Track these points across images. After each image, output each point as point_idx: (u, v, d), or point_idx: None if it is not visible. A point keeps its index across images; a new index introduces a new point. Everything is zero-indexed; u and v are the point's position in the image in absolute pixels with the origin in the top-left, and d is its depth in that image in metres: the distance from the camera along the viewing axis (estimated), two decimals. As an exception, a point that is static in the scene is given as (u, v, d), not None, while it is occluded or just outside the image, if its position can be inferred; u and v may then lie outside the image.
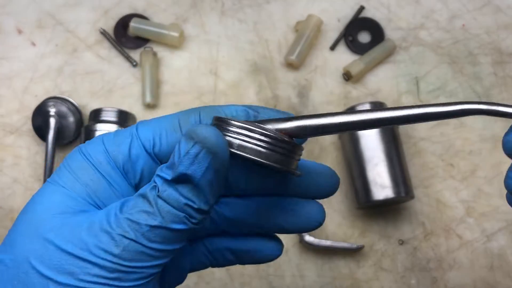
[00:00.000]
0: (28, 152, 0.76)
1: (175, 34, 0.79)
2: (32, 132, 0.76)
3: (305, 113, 0.77)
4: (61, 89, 0.79)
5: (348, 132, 0.38)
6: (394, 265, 0.72)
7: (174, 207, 0.33)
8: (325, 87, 0.79)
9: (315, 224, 0.40)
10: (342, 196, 0.74)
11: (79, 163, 0.36)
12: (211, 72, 0.80)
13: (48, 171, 0.72)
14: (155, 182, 0.34)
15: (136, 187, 0.37)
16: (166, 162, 0.35)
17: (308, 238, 0.70)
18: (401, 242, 0.72)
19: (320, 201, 0.75)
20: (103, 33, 0.81)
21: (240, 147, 0.34)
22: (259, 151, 0.34)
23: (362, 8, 0.82)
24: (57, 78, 0.79)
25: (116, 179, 0.36)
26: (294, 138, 0.36)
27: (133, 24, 0.79)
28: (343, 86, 0.79)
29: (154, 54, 0.79)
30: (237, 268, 0.71)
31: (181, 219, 0.33)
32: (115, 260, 0.32)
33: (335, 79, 0.79)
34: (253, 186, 0.40)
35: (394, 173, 0.69)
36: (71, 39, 0.81)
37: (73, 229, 0.33)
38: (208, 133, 0.33)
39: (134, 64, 0.80)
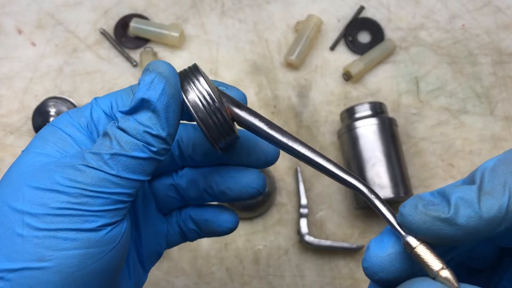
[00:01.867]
0: (28, 152, 0.76)
1: (175, 34, 0.79)
2: (32, 132, 0.76)
3: (305, 113, 0.77)
4: (61, 89, 0.79)
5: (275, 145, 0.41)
6: (394, 265, 0.72)
7: (132, 136, 0.36)
8: (325, 87, 0.79)
9: (253, 190, 0.44)
10: (342, 197, 0.74)
11: (47, 131, 0.39)
12: (211, 72, 0.80)
13: (48, 171, 0.72)
14: (115, 118, 0.38)
15: None
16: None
17: (308, 238, 0.70)
18: (401, 242, 0.72)
19: (321, 201, 0.75)
20: (103, 33, 0.81)
21: (187, 94, 0.38)
22: (200, 108, 0.38)
23: (362, 8, 0.82)
24: (57, 78, 0.79)
25: (82, 138, 0.39)
26: (236, 125, 0.41)
27: (133, 24, 0.79)
28: (343, 86, 0.79)
29: (154, 54, 0.79)
30: (237, 268, 0.71)
31: (140, 147, 0.36)
32: (79, 185, 0.35)
33: (335, 79, 0.79)
34: (201, 157, 0.44)
35: (393, 173, 0.69)
36: (71, 39, 0.81)
37: (44, 171, 0.36)
38: (162, 63, 0.37)
39: (134, 64, 0.80)
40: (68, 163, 0.36)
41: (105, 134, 0.37)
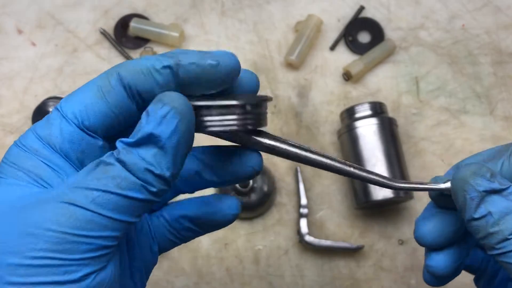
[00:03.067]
0: (28, 152, 0.76)
1: (175, 34, 0.79)
2: (32, 132, 0.76)
3: (305, 113, 0.77)
4: (61, 89, 0.79)
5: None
6: (394, 265, 0.72)
7: (132, 172, 0.32)
8: (325, 87, 0.79)
9: (250, 169, 0.39)
10: (342, 196, 0.74)
11: (16, 155, 0.34)
12: (211, 72, 0.80)
13: (48, 171, 0.72)
14: (117, 148, 0.33)
15: (81, 165, 0.36)
16: (100, 133, 0.35)
17: (308, 238, 0.70)
18: (401, 242, 0.72)
19: (321, 201, 0.75)
20: (103, 33, 0.81)
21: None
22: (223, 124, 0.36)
23: (362, 8, 0.82)
24: (57, 78, 0.79)
25: (58, 162, 0.34)
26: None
27: (133, 24, 0.79)
28: (343, 86, 0.79)
29: (154, 54, 0.79)
30: (237, 268, 0.71)
31: (138, 186, 0.32)
32: (61, 228, 0.30)
33: (335, 79, 0.79)
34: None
35: (393, 173, 0.69)
36: (71, 39, 0.81)
37: (18, 210, 0.31)
38: (177, 96, 0.33)
39: (134, 64, 0.80)
40: (47, 200, 0.31)
41: (98, 165, 0.32)
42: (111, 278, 0.33)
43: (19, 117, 0.78)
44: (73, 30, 0.82)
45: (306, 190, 0.73)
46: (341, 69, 0.79)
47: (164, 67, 0.35)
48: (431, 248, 0.41)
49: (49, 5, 0.83)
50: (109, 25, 0.82)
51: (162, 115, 0.32)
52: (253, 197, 0.70)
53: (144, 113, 0.33)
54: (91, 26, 0.82)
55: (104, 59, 0.80)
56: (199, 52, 0.36)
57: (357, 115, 0.71)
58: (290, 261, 0.72)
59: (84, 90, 0.36)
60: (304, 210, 0.72)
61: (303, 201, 0.72)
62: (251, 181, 0.70)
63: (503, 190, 0.36)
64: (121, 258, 0.38)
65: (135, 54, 0.80)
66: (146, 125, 0.32)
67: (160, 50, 0.80)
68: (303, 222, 0.71)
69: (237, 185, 0.70)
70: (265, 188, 0.71)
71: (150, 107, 0.33)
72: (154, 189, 0.32)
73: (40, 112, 0.74)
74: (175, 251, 0.71)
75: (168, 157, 0.32)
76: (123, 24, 0.81)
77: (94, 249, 0.31)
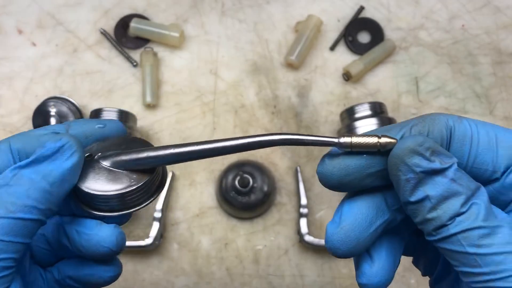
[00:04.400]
0: (29, 152, 0.77)
1: (175, 34, 0.79)
2: (33, 132, 0.76)
3: (305, 113, 0.77)
4: (62, 89, 0.79)
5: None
6: (393, 264, 0.72)
7: (21, 194, 0.34)
8: (325, 87, 0.79)
9: (105, 249, 0.39)
10: (341, 196, 0.74)
11: None
12: (211, 72, 0.80)
13: (49, 171, 0.72)
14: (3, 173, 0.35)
15: None
16: None
17: (308, 238, 0.70)
18: (401, 242, 0.72)
19: (321, 201, 0.75)
20: (104, 33, 0.81)
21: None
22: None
23: (362, 9, 0.82)
24: (57, 78, 0.79)
25: None
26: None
27: (133, 24, 0.79)
28: (343, 86, 0.79)
29: (155, 54, 0.79)
30: (237, 268, 0.71)
31: (29, 207, 0.34)
32: None
33: (335, 79, 0.79)
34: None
35: None
36: (71, 39, 0.81)
37: None
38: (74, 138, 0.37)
39: (134, 64, 0.80)
40: None
41: None
42: None
43: (19, 117, 0.78)
44: (73, 30, 0.82)
45: (306, 190, 0.73)
46: (341, 69, 0.79)
47: (53, 132, 0.38)
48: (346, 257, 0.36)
49: (49, 5, 0.83)
50: (109, 25, 0.82)
51: (60, 146, 0.35)
52: (253, 197, 0.70)
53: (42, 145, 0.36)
54: (91, 26, 0.82)
55: (104, 59, 0.80)
56: (88, 120, 0.41)
57: (357, 115, 0.72)
58: (290, 260, 0.72)
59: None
60: (304, 210, 0.72)
61: (303, 201, 0.72)
62: (251, 181, 0.70)
63: (445, 169, 0.31)
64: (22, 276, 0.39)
65: (135, 54, 0.80)
66: (41, 150, 0.35)
67: (160, 50, 0.80)
68: (303, 222, 0.71)
69: (237, 185, 0.70)
70: (265, 188, 0.71)
71: (48, 143, 0.36)
72: (43, 207, 0.34)
73: (40, 112, 0.74)
74: (175, 251, 0.72)
75: (58, 177, 0.35)
76: (123, 24, 0.81)
77: None
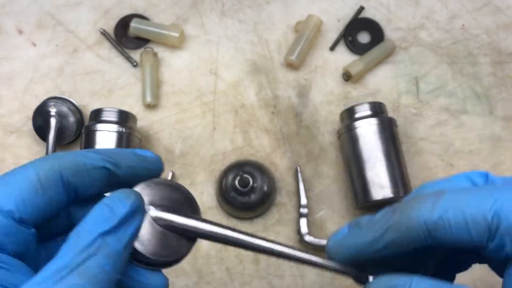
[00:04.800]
0: (29, 152, 0.77)
1: (175, 34, 0.79)
2: (33, 132, 0.76)
3: (305, 113, 0.77)
4: (62, 89, 0.79)
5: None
6: (393, 264, 0.72)
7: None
8: (325, 87, 0.79)
9: None
10: (342, 196, 0.74)
11: None
12: (211, 72, 0.80)
13: (49, 171, 0.72)
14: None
15: (16, 256, 0.35)
16: (32, 223, 0.35)
17: (308, 238, 0.70)
18: (401, 242, 0.72)
19: (321, 201, 0.75)
20: (104, 33, 0.81)
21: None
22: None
23: (362, 9, 0.82)
24: (57, 78, 0.80)
25: (4, 259, 0.34)
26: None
27: (134, 24, 0.79)
28: (343, 86, 0.79)
29: (155, 54, 0.79)
30: (237, 268, 0.72)
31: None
32: None
33: (335, 79, 0.79)
34: None
35: (393, 173, 0.69)
36: (71, 39, 0.81)
37: None
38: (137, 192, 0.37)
39: (134, 64, 0.80)
40: None
41: (76, 268, 0.32)
42: None
43: (19, 117, 0.78)
44: (73, 30, 0.82)
45: (306, 190, 0.73)
46: (341, 69, 0.79)
47: (103, 167, 0.38)
48: None
49: (49, 5, 0.83)
50: (109, 25, 0.82)
51: (134, 209, 0.35)
52: (253, 197, 0.70)
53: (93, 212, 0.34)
54: (91, 26, 0.82)
55: (104, 59, 0.80)
56: (137, 157, 0.40)
57: (357, 115, 0.72)
58: (290, 261, 0.72)
59: (20, 180, 0.35)
60: (304, 210, 0.72)
61: (303, 201, 0.72)
62: (251, 181, 0.70)
63: None
64: None
65: (135, 54, 0.80)
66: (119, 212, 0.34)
67: (160, 50, 0.80)
68: (303, 222, 0.71)
69: (237, 185, 0.70)
70: (265, 188, 0.71)
71: (120, 206, 0.35)
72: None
73: (40, 112, 0.74)
74: (175, 251, 0.72)
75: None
76: (123, 24, 0.81)
77: None
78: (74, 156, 0.37)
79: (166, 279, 0.40)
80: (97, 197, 0.38)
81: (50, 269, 0.32)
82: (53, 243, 0.40)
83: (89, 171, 0.37)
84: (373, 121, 0.70)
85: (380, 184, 0.68)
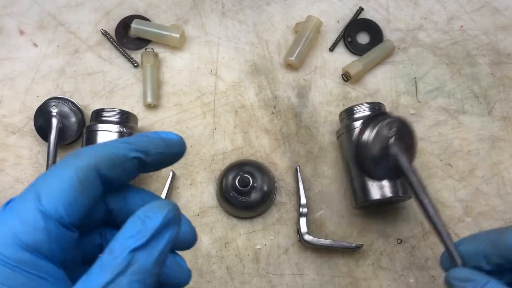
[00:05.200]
0: (30, 152, 0.77)
1: (176, 35, 0.79)
2: (34, 132, 0.76)
3: (305, 113, 0.78)
4: (63, 89, 0.79)
5: None
6: (392, 264, 0.72)
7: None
8: (325, 87, 0.79)
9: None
10: (341, 196, 0.75)
11: (3, 274, 0.32)
12: (212, 73, 0.80)
13: (50, 170, 0.72)
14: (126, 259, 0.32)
15: (62, 264, 0.35)
16: (75, 225, 0.35)
17: (307, 237, 0.71)
18: (400, 241, 0.73)
19: (320, 200, 0.75)
20: (105, 34, 0.81)
21: None
22: None
23: (361, 10, 0.82)
24: (58, 78, 0.80)
25: (51, 272, 0.33)
26: None
27: (134, 25, 0.80)
28: (342, 87, 0.79)
29: (155, 55, 0.79)
30: (237, 267, 0.72)
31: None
32: None
33: (334, 80, 0.80)
34: None
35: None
36: (72, 40, 0.82)
37: None
38: (174, 204, 0.35)
39: (135, 64, 0.80)
40: None
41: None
42: None
43: (21, 117, 0.78)
44: (75, 31, 0.82)
45: (306, 190, 0.74)
46: (340, 69, 0.80)
47: (135, 157, 0.37)
48: None
49: (50, 6, 0.83)
50: (110, 26, 0.82)
51: (169, 220, 0.34)
52: (253, 196, 0.71)
53: (137, 219, 0.33)
54: (92, 27, 0.82)
55: (106, 60, 0.81)
56: (164, 140, 0.39)
57: (356, 116, 0.72)
58: (290, 260, 0.72)
59: (62, 181, 0.34)
60: (303, 210, 0.72)
61: (303, 200, 0.72)
62: (251, 181, 0.70)
63: None
64: None
65: (136, 55, 0.81)
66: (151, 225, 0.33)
67: (161, 51, 0.81)
68: (303, 221, 0.71)
69: (237, 185, 0.70)
70: (265, 188, 0.71)
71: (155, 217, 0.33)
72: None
73: (42, 113, 0.75)
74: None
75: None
76: (124, 25, 0.82)
77: None
78: (108, 149, 0.36)
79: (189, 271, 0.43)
80: (125, 185, 0.39)
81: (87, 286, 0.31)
82: (86, 241, 0.40)
83: (123, 163, 0.37)
84: None
85: (379, 183, 0.69)
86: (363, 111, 0.72)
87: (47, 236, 0.33)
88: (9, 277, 0.32)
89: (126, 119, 0.72)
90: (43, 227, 0.33)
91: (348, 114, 0.73)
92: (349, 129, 0.71)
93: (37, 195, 0.34)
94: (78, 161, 0.35)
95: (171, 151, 0.40)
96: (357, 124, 0.71)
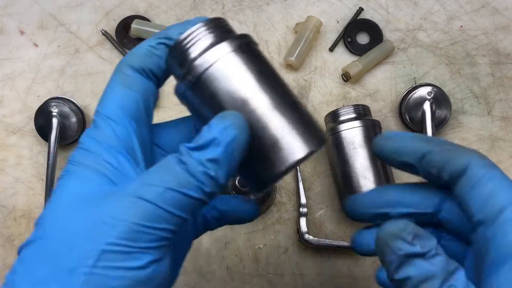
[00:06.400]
0: (31, 152, 0.77)
1: (176, 35, 0.79)
2: (35, 132, 0.76)
3: (305, 113, 0.78)
4: (63, 89, 0.79)
5: None
6: (392, 263, 0.72)
7: (191, 174, 0.35)
8: (324, 87, 0.79)
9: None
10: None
11: (81, 155, 0.38)
12: (212, 73, 0.80)
13: (50, 171, 0.72)
14: (178, 151, 0.37)
15: (133, 156, 0.40)
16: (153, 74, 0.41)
17: (307, 237, 0.71)
18: (400, 241, 0.73)
19: (320, 200, 0.75)
20: (105, 34, 0.82)
21: None
22: None
23: (361, 10, 0.82)
24: (59, 78, 0.80)
25: (119, 160, 0.38)
26: None
27: (135, 25, 0.80)
28: (342, 87, 0.79)
29: (155, 55, 0.79)
30: (237, 267, 0.72)
31: (196, 186, 0.36)
32: (131, 219, 0.34)
33: (334, 80, 0.80)
34: None
35: (378, 175, 0.68)
36: (73, 40, 0.82)
37: (92, 202, 0.36)
38: (237, 115, 0.37)
39: (135, 65, 0.80)
40: (119, 194, 0.35)
41: (164, 166, 0.36)
42: (167, 271, 0.37)
43: (21, 117, 0.78)
44: (75, 31, 0.82)
45: (306, 190, 0.74)
46: (340, 70, 0.80)
47: (159, 43, 0.41)
48: None
49: (51, 6, 0.83)
50: (111, 26, 0.82)
51: (224, 127, 0.36)
52: (253, 197, 0.71)
53: (205, 126, 0.37)
54: (92, 27, 0.82)
55: (106, 60, 0.81)
56: (182, 23, 0.42)
57: (341, 118, 0.71)
58: (290, 259, 0.72)
59: (112, 92, 0.40)
60: (303, 209, 0.72)
61: (303, 200, 0.73)
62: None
63: (425, 253, 0.35)
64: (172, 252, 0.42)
65: (136, 55, 0.81)
66: (208, 134, 0.36)
67: (161, 51, 0.81)
68: (303, 221, 0.72)
69: (237, 185, 0.70)
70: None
71: (213, 122, 0.37)
72: (208, 190, 0.36)
73: (42, 113, 0.75)
74: (176, 250, 0.72)
75: (224, 163, 0.36)
76: (124, 25, 0.82)
77: (155, 239, 0.35)
78: (134, 49, 0.42)
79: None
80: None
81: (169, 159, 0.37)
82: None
83: (151, 52, 0.41)
84: (357, 124, 0.70)
85: (366, 186, 0.68)
86: (347, 114, 0.71)
87: (114, 135, 0.39)
88: (85, 157, 0.38)
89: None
90: (109, 127, 0.39)
91: (332, 117, 0.72)
92: (334, 132, 0.71)
93: (100, 105, 0.41)
94: (116, 69, 0.42)
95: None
96: (342, 127, 0.70)
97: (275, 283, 0.72)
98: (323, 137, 0.40)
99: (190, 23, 0.41)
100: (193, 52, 0.39)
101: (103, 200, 0.35)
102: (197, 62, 0.38)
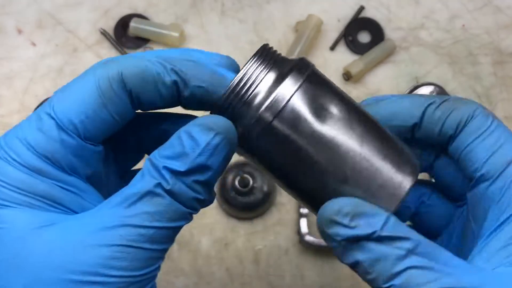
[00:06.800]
0: (28, 152, 0.77)
1: (175, 34, 0.79)
2: (32, 132, 0.76)
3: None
4: (61, 89, 0.79)
5: None
6: (394, 265, 0.72)
7: (182, 203, 0.32)
8: (325, 87, 0.79)
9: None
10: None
11: (19, 178, 0.31)
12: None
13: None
14: (161, 177, 0.31)
15: (89, 179, 0.34)
16: (99, 140, 0.33)
17: (308, 238, 0.70)
18: (401, 242, 0.72)
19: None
20: (103, 33, 0.81)
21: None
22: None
23: (362, 8, 0.82)
24: (57, 78, 0.80)
25: (72, 182, 0.32)
26: None
27: (133, 24, 0.79)
28: (343, 86, 0.79)
29: (154, 54, 0.79)
30: (237, 269, 0.72)
31: (187, 215, 0.32)
32: (126, 273, 0.31)
33: (335, 79, 0.79)
34: None
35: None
36: (71, 39, 0.81)
37: (60, 251, 0.30)
38: (224, 122, 0.32)
39: (134, 64, 0.80)
40: (100, 240, 0.30)
41: (145, 196, 0.31)
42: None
43: (19, 117, 0.78)
44: (73, 30, 0.82)
45: (306, 190, 0.73)
46: (341, 69, 0.79)
47: (172, 82, 0.33)
48: None
49: (49, 5, 0.83)
50: (109, 25, 0.82)
51: (215, 145, 0.31)
52: (253, 197, 0.70)
53: (185, 136, 0.31)
54: (91, 26, 0.82)
55: (104, 59, 0.80)
56: (211, 73, 0.34)
57: None
58: (290, 261, 0.72)
59: (80, 92, 0.33)
60: (304, 210, 0.72)
61: (303, 201, 0.72)
62: (251, 181, 0.70)
63: (370, 234, 0.31)
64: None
65: (135, 54, 0.80)
66: (198, 157, 0.31)
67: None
68: (303, 222, 0.71)
69: (237, 185, 0.70)
70: (265, 188, 0.71)
71: (198, 135, 0.31)
72: (195, 213, 0.33)
73: (40, 112, 0.74)
74: (175, 251, 0.72)
75: (212, 184, 0.32)
76: (123, 24, 0.81)
77: (150, 280, 0.34)
78: (135, 60, 0.33)
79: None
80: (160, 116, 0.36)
81: (121, 195, 0.31)
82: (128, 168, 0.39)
83: (156, 85, 0.33)
84: None
85: None
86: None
87: (63, 147, 0.32)
88: (28, 183, 0.31)
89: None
90: (57, 137, 0.31)
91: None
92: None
93: (52, 105, 0.32)
94: (101, 70, 0.33)
95: (216, 91, 0.34)
96: None
97: (275, 285, 0.71)
98: (415, 165, 0.35)
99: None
100: (256, 94, 0.34)
101: (76, 244, 0.30)
102: (271, 101, 0.33)
